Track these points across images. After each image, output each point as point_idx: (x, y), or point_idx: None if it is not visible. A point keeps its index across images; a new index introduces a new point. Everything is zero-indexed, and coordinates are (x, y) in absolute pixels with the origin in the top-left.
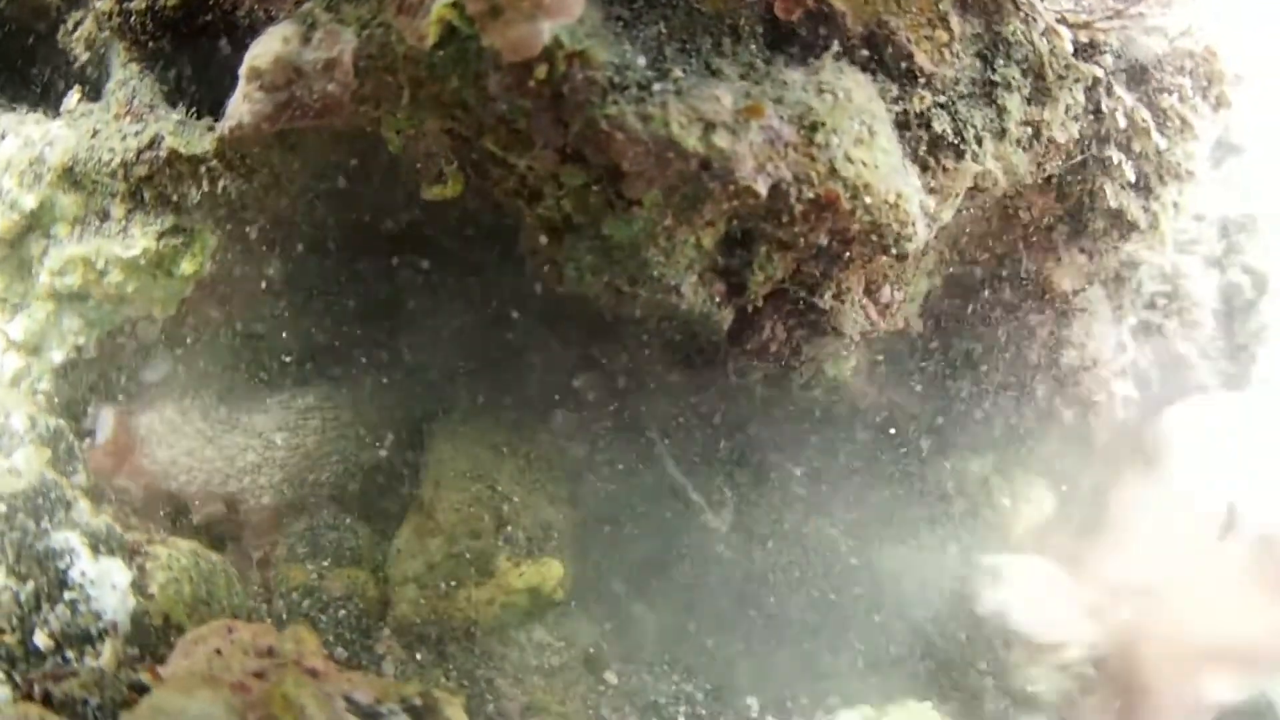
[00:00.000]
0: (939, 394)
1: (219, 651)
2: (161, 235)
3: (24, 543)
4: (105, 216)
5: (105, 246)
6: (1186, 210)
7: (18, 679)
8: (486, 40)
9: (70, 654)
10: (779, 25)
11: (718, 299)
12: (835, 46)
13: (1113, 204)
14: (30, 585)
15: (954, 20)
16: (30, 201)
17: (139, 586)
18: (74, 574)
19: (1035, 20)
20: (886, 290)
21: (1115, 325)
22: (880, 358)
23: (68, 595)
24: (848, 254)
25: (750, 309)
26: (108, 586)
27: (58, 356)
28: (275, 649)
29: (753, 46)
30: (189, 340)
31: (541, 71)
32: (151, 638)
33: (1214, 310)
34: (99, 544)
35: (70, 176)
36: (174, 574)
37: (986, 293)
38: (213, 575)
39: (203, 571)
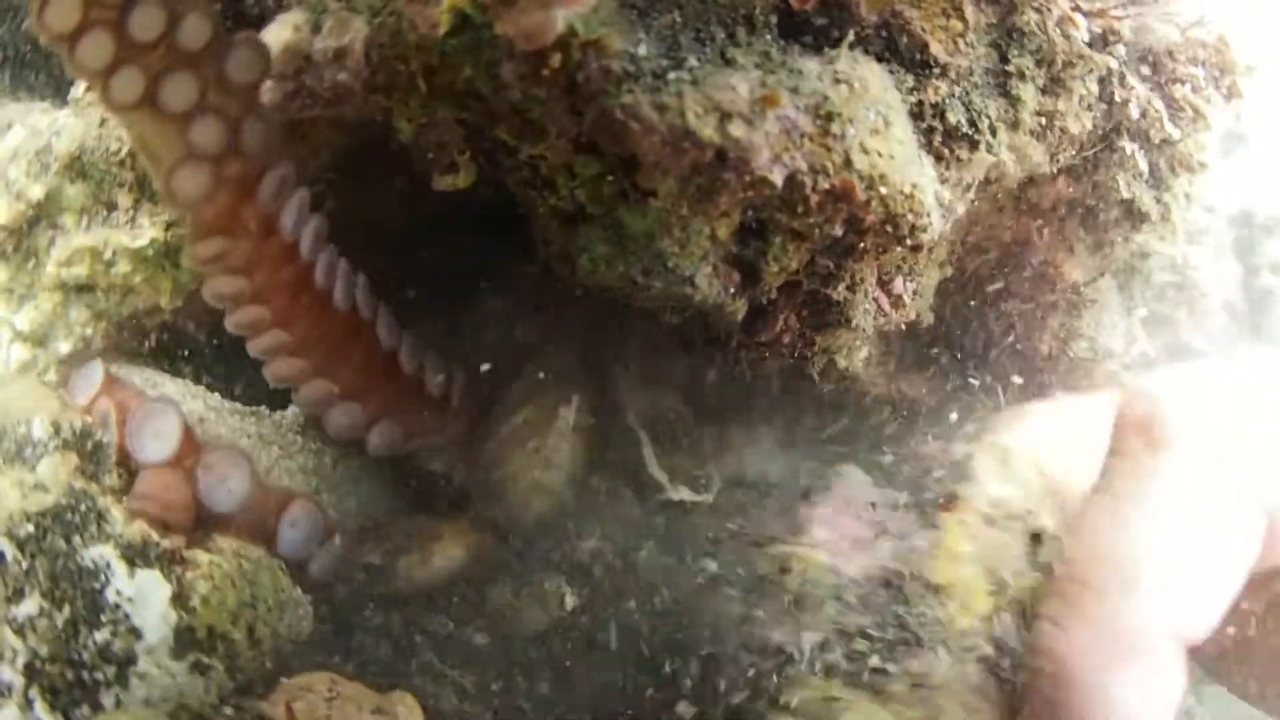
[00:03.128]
0: (949, 385)
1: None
2: (170, 225)
3: (56, 565)
4: (113, 206)
5: (113, 237)
6: (1198, 201)
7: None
8: (499, 28)
9: (110, 675)
10: (793, 14)
11: (732, 290)
12: (850, 36)
13: (1125, 195)
14: (66, 610)
15: (968, 10)
16: (37, 191)
17: (180, 599)
18: (109, 594)
19: (1049, 10)
20: (899, 282)
21: (1125, 316)
22: (891, 349)
23: (104, 617)
24: (862, 245)
25: (764, 300)
26: (146, 604)
27: (64, 348)
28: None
29: (767, 36)
30: (198, 330)
31: (555, 60)
32: (196, 651)
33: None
34: (135, 557)
35: (77, 166)
36: (215, 583)
37: (998, 284)
38: (256, 574)
39: (245, 573)
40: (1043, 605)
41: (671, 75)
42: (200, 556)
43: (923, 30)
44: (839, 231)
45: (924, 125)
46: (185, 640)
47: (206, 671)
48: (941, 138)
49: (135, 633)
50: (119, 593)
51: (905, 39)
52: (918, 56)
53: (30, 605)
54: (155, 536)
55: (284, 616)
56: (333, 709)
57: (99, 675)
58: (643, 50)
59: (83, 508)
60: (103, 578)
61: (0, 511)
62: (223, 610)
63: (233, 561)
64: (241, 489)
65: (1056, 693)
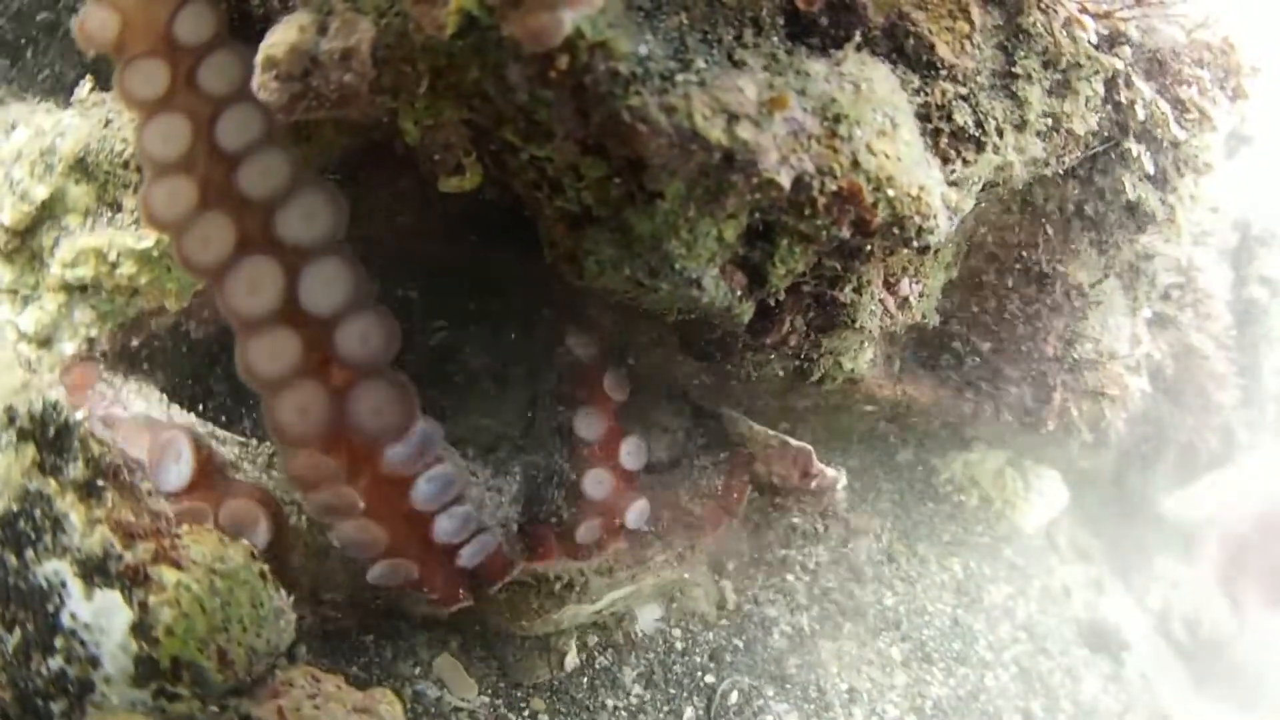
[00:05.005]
0: (954, 387)
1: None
2: None
3: (7, 583)
4: (118, 208)
5: (118, 238)
6: (1202, 202)
7: None
8: (506, 30)
9: (63, 707)
10: (800, 16)
11: (739, 292)
12: (857, 37)
13: (1130, 196)
14: (17, 634)
15: (975, 11)
16: (41, 192)
17: (141, 628)
18: (64, 618)
19: (1056, 12)
20: (905, 284)
21: (1130, 318)
22: (896, 350)
23: (58, 643)
24: (869, 247)
25: (771, 302)
26: (104, 632)
27: (69, 349)
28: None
29: (774, 38)
30: (203, 333)
31: (563, 62)
32: (159, 680)
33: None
34: (93, 573)
35: (82, 167)
36: (183, 608)
37: (1003, 285)
38: (232, 591)
39: (219, 592)
40: None
41: (679, 77)
42: (167, 576)
43: (930, 32)
44: (846, 233)
45: (931, 127)
46: (147, 671)
47: (173, 699)
48: (948, 139)
49: (93, 662)
50: (74, 617)
51: (912, 40)
52: (925, 58)
53: None
54: (118, 547)
55: (262, 632)
56: (318, 707)
57: (54, 705)
58: (650, 52)
59: (37, 514)
60: (57, 599)
61: None
62: (190, 639)
63: (204, 581)
64: (189, 468)
65: None
